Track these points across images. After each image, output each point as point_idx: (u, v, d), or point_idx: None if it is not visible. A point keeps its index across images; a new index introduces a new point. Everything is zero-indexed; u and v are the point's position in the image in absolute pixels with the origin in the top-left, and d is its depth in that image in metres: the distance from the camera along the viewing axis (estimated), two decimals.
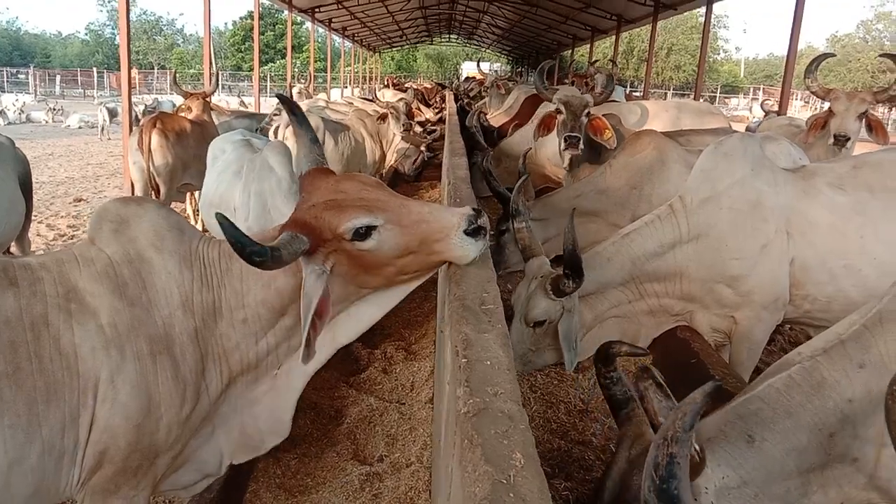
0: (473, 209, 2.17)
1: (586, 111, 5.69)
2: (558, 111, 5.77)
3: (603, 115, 5.90)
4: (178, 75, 10.44)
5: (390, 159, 9.82)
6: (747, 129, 8.30)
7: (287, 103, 2.56)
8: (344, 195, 2.15)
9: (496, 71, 31.84)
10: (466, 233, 2.14)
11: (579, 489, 2.81)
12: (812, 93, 6.14)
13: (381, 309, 2.43)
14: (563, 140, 5.63)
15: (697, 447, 1.75)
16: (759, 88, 47.56)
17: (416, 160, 11.08)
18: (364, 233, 2.09)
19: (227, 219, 1.88)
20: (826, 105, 6.04)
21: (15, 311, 2.01)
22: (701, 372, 3.33)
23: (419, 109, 17.41)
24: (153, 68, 54.43)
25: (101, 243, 2.21)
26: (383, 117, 9.26)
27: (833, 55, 8.43)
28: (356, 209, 2.09)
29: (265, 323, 2.27)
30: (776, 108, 12.09)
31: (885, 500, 2.14)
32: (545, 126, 6.01)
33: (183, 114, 8.50)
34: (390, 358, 4.73)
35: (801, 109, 37.98)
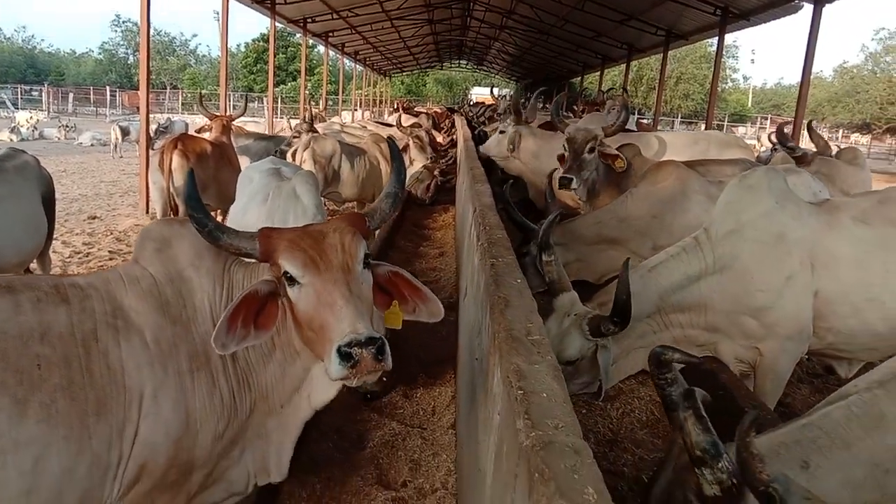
0: (369, 337, 1.92)
1: (589, 145, 5.72)
2: (563, 146, 5.85)
3: (621, 146, 5.96)
4: (203, 96, 10.59)
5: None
6: (757, 158, 8.32)
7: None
8: (310, 241, 2.15)
9: (505, 96, 32.10)
10: (340, 351, 1.93)
11: None
12: (796, 159, 6.21)
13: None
14: (559, 180, 5.72)
15: (734, 481, 1.75)
16: (766, 118, 47.77)
17: (429, 185, 11.16)
18: (290, 280, 2.12)
19: (192, 184, 2.20)
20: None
21: (67, 328, 2.09)
22: (729, 404, 3.34)
23: (432, 134, 17.53)
24: (165, 88, 54.97)
25: (144, 262, 2.30)
26: (405, 148, 9.35)
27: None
28: (298, 256, 2.10)
29: (266, 350, 2.35)
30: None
31: None
32: (561, 161, 6.09)
33: (204, 135, 8.61)
34: (410, 382, 4.74)
35: (810, 143, 38.13)
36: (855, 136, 38.68)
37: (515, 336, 1.97)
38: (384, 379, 4.29)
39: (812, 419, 2.11)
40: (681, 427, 1.75)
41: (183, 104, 48.40)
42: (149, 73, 10.34)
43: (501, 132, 8.05)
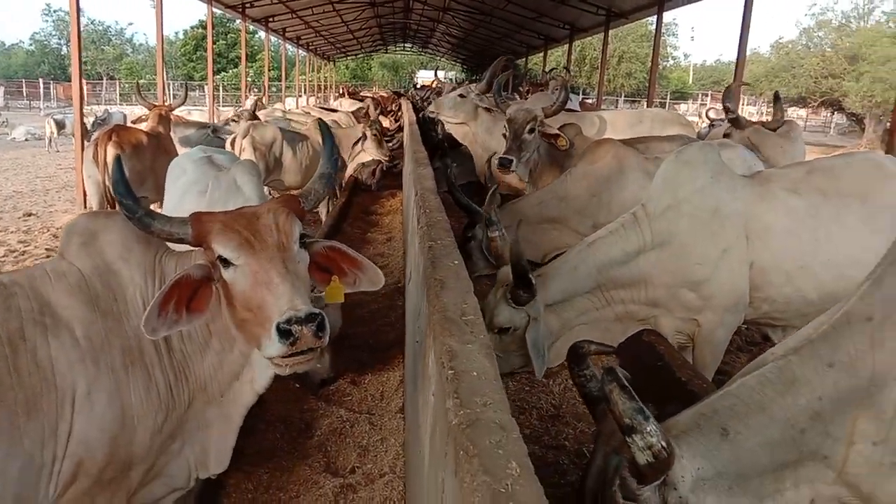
0: (308, 314, 1.91)
1: (529, 126, 5.75)
2: (504, 127, 5.85)
3: (562, 126, 6.00)
4: (140, 86, 10.29)
5: (350, 169, 9.79)
6: (698, 134, 8.50)
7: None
8: (244, 223, 2.13)
9: (452, 79, 32.05)
10: (279, 328, 1.91)
11: (555, 493, 2.86)
12: (731, 121, 6.34)
13: None
14: (498, 160, 5.74)
15: (664, 443, 1.80)
16: (707, 94, 48.75)
17: (375, 170, 11.07)
18: (225, 262, 2.10)
19: (120, 171, 2.16)
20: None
21: None
22: (667, 374, 3.42)
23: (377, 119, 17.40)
24: (102, 79, 53.19)
25: (71, 257, 2.25)
26: (362, 139, 9.20)
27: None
28: (233, 237, 2.08)
29: (202, 339, 2.32)
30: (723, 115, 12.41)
31: (854, 495, 2.22)
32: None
33: (140, 125, 8.38)
34: (358, 369, 4.72)
35: (751, 116, 39.06)
36: (794, 110, 39.81)
37: (449, 317, 1.97)
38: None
39: (730, 389, 2.18)
40: (607, 399, 1.78)
41: (121, 95, 46.94)
42: (80, 63, 9.96)
43: (462, 96, 7.89)
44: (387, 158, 9.72)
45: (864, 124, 31.68)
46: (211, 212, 2.22)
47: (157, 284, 2.28)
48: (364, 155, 9.44)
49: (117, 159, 2.34)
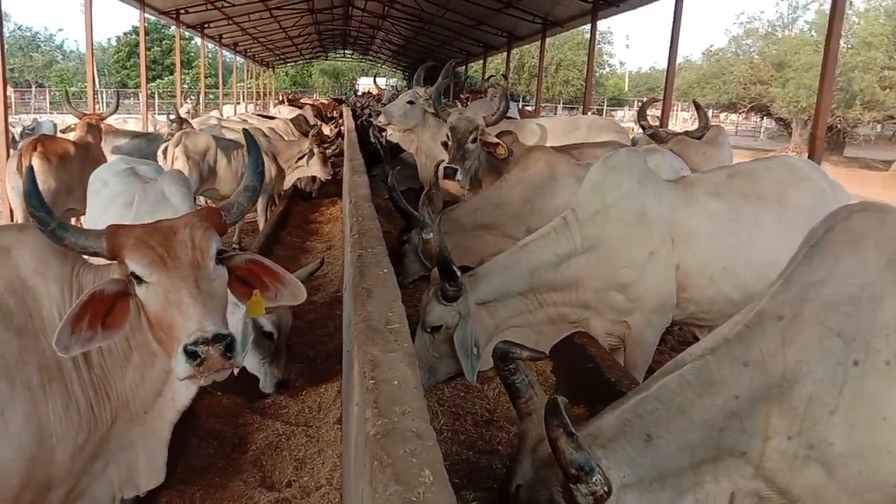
0: (216, 335, 1.89)
1: (473, 135, 5.79)
2: (447, 135, 5.87)
3: (500, 133, 6.07)
4: (69, 94, 9.98)
5: (290, 179, 9.69)
6: (632, 140, 8.71)
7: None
8: (159, 238, 2.09)
9: (393, 86, 31.97)
10: (186, 349, 1.89)
11: (488, 498, 2.89)
12: (650, 136, 6.50)
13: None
14: (442, 169, 5.77)
15: (606, 489, 1.86)
16: (642, 101, 49.90)
17: (316, 178, 10.98)
18: (138, 279, 2.06)
19: (32, 183, 2.13)
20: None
21: None
22: (598, 376, 3.50)
23: (317, 126, 17.26)
24: (30, 86, 51.29)
25: None
26: (308, 155, 9.17)
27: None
28: (145, 254, 2.04)
29: (122, 355, 2.27)
30: (657, 122, 12.74)
31: (771, 488, 2.32)
32: (445, 149, 6.10)
33: (69, 135, 8.13)
34: (295, 380, 4.67)
35: (685, 122, 40.19)
36: (725, 115, 41.06)
37: (373, 326, 1.98)
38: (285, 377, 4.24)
39: (651, 391, 2.24)
40: (553, 445, 1.82)
41: (51, 103, 45.33)
42: (5, 70, 9.56)
43: (410, 102, 7.82)
44: (329, 177, 9.71)
45: (792, 129, 32.95)
46: (127, 224, 2.18)
47: (74, 298, 2.21)
48: (305, 170, 9.43)
49: (30, 170, 2.28)
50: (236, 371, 3.81)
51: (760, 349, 2.26)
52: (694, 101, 6.92)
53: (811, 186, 4.06)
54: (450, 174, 5.73)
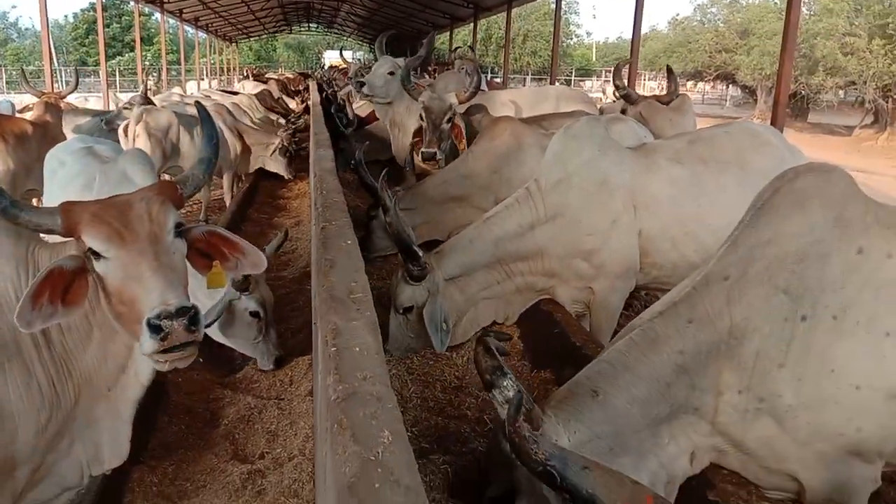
0: (179, 308, 1.90)
1: (448, 116, 5.76)
2: (420, 118, 5.83)
3: (470, 107, 6.08)
4: (25, 73, 9.72)
5: (254, 164, 9.64)
6: (601, 110, 8.76)
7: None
8: (115, 213, 2.08)
9: (359, 60, 31.58)
10: (150, 324, 1.89)
11: (457, 462, 2.95)
12: (622, 97, 6.56)
13: None
14: (421, 154, 5.75)
15: (517, 390, 1.90)
16: (610, 70, 49.97)
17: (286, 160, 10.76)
18: (96, 254, 2.06)
19: None
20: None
21: None
22: (564, 340, 3.57)
23: (281, 100, 17.05)
24: None
25: None
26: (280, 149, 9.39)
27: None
28: (102, 229, 2.04)
29: (84, 332, 2.27)
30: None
31: (727, 442, 2.42)
32: (419, 139, 6.06)
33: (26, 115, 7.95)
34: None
35: (652, 91, 40.33)
36: (693, 84, 41.31)
37: (335, 296, 2.00)
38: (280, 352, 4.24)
39: (602, 356, 2.32)
40: (475, 360, 1.88)
41: (7, 83, 44.08)
42: None
43: (391, 73, 7.68)
44: (290, 177, 9.81)
45: (757, 96, 33.30)
46: (81, 201, 2.16)
47: (29, 277, 2.20)
48: (268, 162, 9.54)
49: None
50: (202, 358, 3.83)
51: (705, 307, 2.34)
52: (667, 67, 6.98)
53: (771, 151, 4.15)
54: (430, 157, 5.71)
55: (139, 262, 1.99)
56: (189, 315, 1.89)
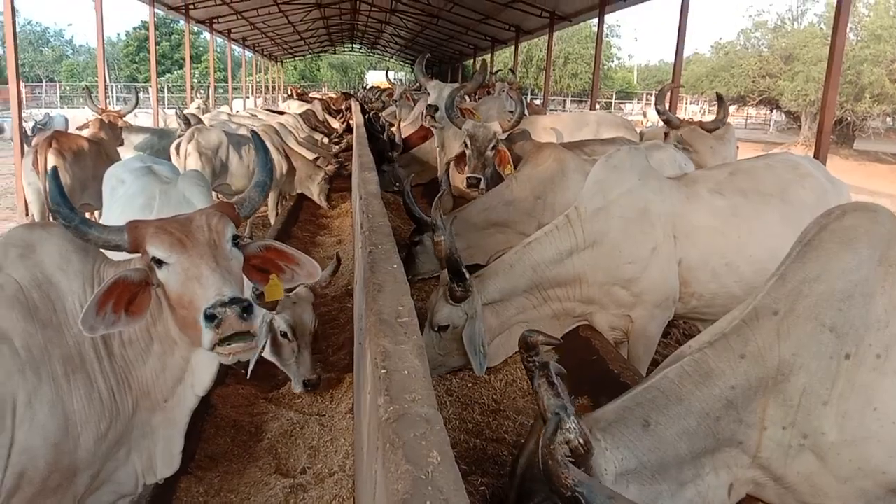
0: (233, 298, 2.01)
1: (492, 143, 5.78)
2: (465, 144, 5.91)
3: (512, 133, 6.13)
4: (90, 90, 10.16)
5: (301, 183, 9.87)
6: (641, 134, 8.76)
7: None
8: (177, 225, 2.22)
9: (401, 81, 32.00)
10: (206, 314, 2.00)
11: (495, 484, 3.00)
12: (664, 121, 6.55)
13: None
14: (466, 180, 5.80)
15: (582, 441, 1.92)
16: (651, 94, 49.81)
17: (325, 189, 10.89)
18: (159, 262, 2.18)
19: (56, 182, 2.20)
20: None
21: None
22: (601, 367, 3.60)
23: (326, 121, 17.36)
24: (41, 81, 51.61)
25: (8, 269, 2.27)
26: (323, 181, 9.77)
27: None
28: (165, 238, 2.16)
29: (144, 345, 2.38)
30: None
31: (766, 476, 2.42)
32: (460, 164, 6.07)
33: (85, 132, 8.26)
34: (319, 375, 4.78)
35: (695, 115, 40.00)
36: (737, 108, 40.84)
37: (384, 319, 2.08)
38: (312, 375, 4.21)
39: (652, 382, 2.34)
40: (535, 393, 1.91)
41: (62, 98, 45.65)
42: (17, 65, 9.72)
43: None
44: (327, 207, 10.06)
45: (801, 122, 32.83)
46: (145, 219, 2.29)
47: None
48: (308, 188, 9.82)
49: (53, 170, 2.39)
50: (252, 364, 3.93)
51: (756, 342, 2.37)
52: (717, 94, 6.97)
53: (812, 183, 4.14)
54: (474, 184, 5.75)
55: (199, 264, 2.11)
56: (242, 305, 1.99)
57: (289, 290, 4.18)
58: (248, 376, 4.06)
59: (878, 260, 2.35)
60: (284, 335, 4.13)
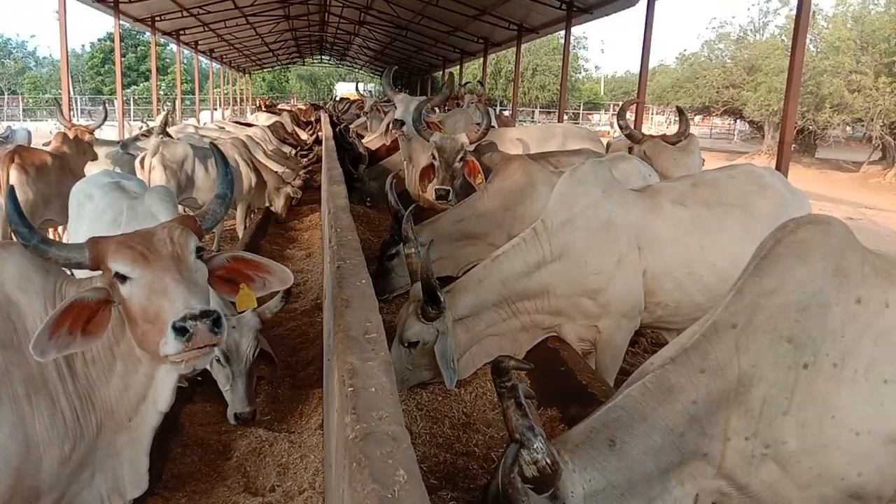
0: (203, 311, 1.99)
1: (460, 155, 5.82)
2: (433, 157, 5.93)
3: (480, 144, 6.18)
4: (59, 103, 10.03)
5: (269, 196, 9.85)
6: (608, 145, 8.87)
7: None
8: (139, 240, 2.20)
9: (371, 92, 32.00)
10: (175, 326, 1.98)
11: (465, 498, 3.01)
12: (626, 136, 6.64)
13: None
14: (433, 192, 5.82)
15: (549, 461, 1.95)
16: (618, 104, 50.49)
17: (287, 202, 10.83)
18: (122, 278, 2.15)
19: (14, 201, 2.20)
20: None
21: None
22: (570, 378, 3.63)
23: (294, 133, 17.30)
24: (3, 94, 50.64)
25: None
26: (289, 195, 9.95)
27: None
28: (127, 253, 2.14)
29: (106, 364, 2.35)
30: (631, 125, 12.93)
31: (731, 486, 2.47)
32: (426, 176, 6.06)
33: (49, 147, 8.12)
34: (278, 387, 4.75)
35: (661, 125, 40.63)
36: (701, 118, 41.57)
37: (352, 336, 2.09)
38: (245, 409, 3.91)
39: (616, 401, 2.38)
40: (504, 414, 1.93)
41: (24, 110, 44.87)
42: None
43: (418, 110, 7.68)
44: (282, 216, 10.21)
45: (764, 131, 33.52)
46: (107, 235, 2.27)
47: None
48: (275, 201, 9.96)
49: (10, 189, 2.36)
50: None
51: (716, 356, 2.42)
52: (678, 108, 7.10)
53: (773, 194, 4.24)
54: (443, 196, 5.76)
55: (163, 277, 2.08)
56: (212, 317, 1.98)
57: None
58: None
59: (832, 271, 2.42)
60: (217, 359, 3.88)
